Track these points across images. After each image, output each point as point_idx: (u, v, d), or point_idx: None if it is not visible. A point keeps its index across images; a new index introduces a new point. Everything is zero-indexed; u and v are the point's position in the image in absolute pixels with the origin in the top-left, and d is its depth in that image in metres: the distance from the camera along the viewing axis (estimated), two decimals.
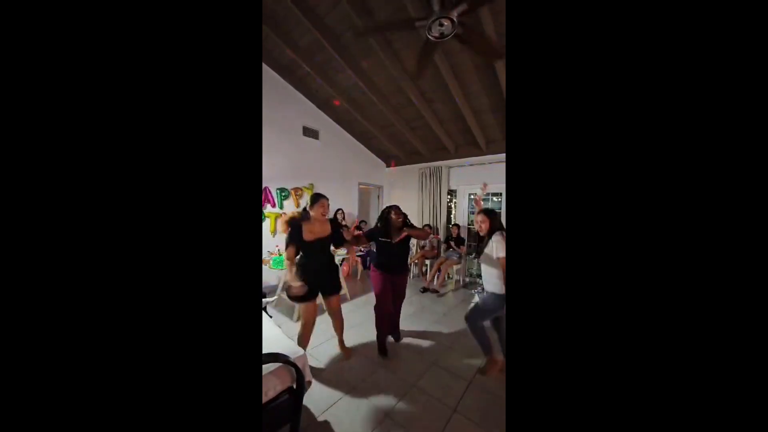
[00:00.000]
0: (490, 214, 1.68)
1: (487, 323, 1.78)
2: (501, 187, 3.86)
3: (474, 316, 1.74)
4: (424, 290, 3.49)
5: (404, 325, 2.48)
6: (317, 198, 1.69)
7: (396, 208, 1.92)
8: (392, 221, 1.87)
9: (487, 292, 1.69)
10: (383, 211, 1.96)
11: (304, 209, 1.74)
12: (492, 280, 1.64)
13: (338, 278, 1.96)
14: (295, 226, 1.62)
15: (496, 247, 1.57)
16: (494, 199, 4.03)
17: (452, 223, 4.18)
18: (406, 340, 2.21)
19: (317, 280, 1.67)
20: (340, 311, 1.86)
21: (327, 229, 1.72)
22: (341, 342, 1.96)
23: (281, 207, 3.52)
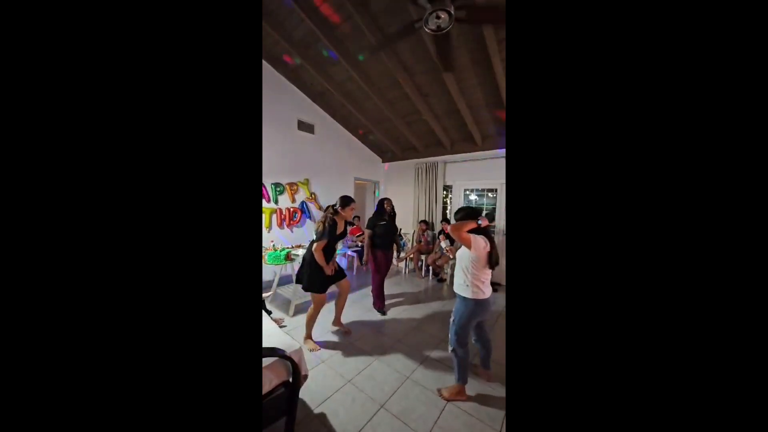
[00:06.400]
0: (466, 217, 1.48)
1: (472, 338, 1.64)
2: (495, 183, 3.89)
3: (457, 337, 1.47)
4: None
5: (400, 317, 2.51)
6: (349, 201, 2.02)
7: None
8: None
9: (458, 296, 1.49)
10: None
11: (334, 208, 2.04)
12: (457, 282, 1.50)
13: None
14: (333, 222, 1.95)
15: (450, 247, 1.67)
16: (489, 195, 4.06)
17: (445, 218, 4.20)
18: (400, 332, 2.24)
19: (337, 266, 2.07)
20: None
21: (342, 226, 2.10)
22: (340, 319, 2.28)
23: (276, 202, 3.48)
